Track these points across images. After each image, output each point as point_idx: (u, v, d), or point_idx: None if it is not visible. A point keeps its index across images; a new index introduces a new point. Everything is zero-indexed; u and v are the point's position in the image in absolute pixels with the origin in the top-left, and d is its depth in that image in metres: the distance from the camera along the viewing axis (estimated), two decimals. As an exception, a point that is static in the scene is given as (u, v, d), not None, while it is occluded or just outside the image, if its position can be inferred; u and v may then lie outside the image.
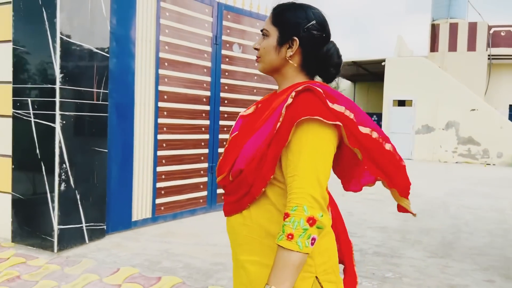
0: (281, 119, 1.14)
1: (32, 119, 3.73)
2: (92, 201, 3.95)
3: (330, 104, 1.13)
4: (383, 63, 15.83)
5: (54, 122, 3.63)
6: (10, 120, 3.88)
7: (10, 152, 3.91)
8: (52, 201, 3.67)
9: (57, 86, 3.61)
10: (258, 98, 5.74)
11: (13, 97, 3.83)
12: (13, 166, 3.88)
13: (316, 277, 1.19)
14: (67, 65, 3.68)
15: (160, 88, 4.69)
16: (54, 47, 3.61)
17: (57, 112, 3.62)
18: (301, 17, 1.25)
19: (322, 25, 1.27)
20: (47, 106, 3.66)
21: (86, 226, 3.92)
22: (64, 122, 3.68)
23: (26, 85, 3.78)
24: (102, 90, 4.00)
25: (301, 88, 1.16)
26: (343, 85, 24.98)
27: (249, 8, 5.69)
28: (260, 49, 1.29)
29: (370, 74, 20.21)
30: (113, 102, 4.18)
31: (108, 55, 4.05)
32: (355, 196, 6.80)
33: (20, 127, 3.81)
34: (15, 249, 3.79)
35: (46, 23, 3.62)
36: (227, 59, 5.41)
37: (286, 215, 1.08)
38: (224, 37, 5.38)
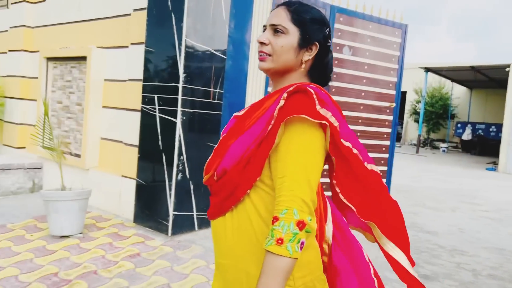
0: (273, 121, 1.08)
1: (157, 114, 4.14)
2: (203, 192, 4.24)
3: (318, 107, 1.07)
4: (507, 69, 14.29)
5: (175, 117, 3.99)
6: (139, 114, 4.35)
7: (137, 143, 4.38)
8: (170, 189, 4.03)
9: (180, 84, 3.96)
10: (366, 101, 5.61)
11: (142, 93, 4.29)
12: (139, 155, 4.34)
13: None
14: (189, 65, 4.01)
15: (269, 89, 4.86)
16: (180, 49, 3.96)
17: (179, 109, 3.97)
18: (322, 22, 1.22)
19: (330, 33, 1.27)
20: (171, 102, 4.03)
21: (196, 214, 4.23)
22: (184, 118, 4.02)
23: (153, 83, 4.20)
24: (218, 90, 4.28)
25: (292, 89, 1.11)
26: (458, 91, 23.07)
27: (362, 10, 5.59)
28: (274, 46, 1.19)
29: (490, 81, 18.40)
30: (227, 101, 4.44)
31: (225, 57, 4.32)
32: (468, 213, 6.28)
33: (146, 121, 4.25)
34: (135, 229, 4.24)
35: (174, 27, 3.99)
36: (336, 62, 5.39)
37: (276, 219, 1.02)
38: (335, 40, 5.36)
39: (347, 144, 1.13)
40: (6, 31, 6.37)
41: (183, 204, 4.11)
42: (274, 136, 1.08)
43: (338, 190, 1.21)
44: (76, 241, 3.84)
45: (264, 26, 1.23)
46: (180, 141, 4.02)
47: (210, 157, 1.26)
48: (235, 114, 1.29)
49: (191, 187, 4.16)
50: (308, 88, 1.10)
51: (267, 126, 1.10)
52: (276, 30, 1.18)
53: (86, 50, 5.03)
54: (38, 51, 5.90)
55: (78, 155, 5.20)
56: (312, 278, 1.16)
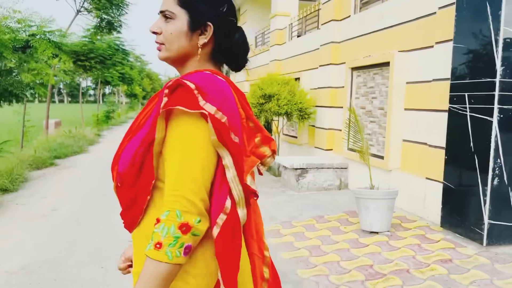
0: (154, 122, 1.00)
1: (468, 113, 3.87)
2: (525, 201, 3.68)
3: (201, 103, 0.97)
4: None
5: (491, 116, 3.62)
6: (445, 114, 4.18)
7: (443, 144, 4.23)
8: (484, 195, 3.68)
9: (497, 79, 3.57)
10: None
11: (450, 92, 4.10)
12: (446, 157, 4.17)
13: None
14: (509, 57, 3.56)
15: None
16: (496, 40, 3.57)
17: (495, 106, 3.58)
18: (211, 2, 1.10)
19: (233, 10, 1.14)
20: (484, 100, 3.68)
21: (517, 226, 3.70)
22: (501, 116, 3.59)
23: (463, 80, 3.95)
24: (545, 81, 3.61)
25: (171, 84, 1.00)
26: None
27: None
28: (164, 34, 1.10)
29: None
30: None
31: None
32: None
33: (455, 121, 4.04)
34: (443, 234, 4.08)
35: (489, 17, 3.63)
36: None
37: (157, 221, 0.94)
38: None
39: (236, 139, 1.01)
40: (317, 49, 7.39)
41: (500, 213, 3.68)
42: (153, 133, 1.00)
43: (237, 187, 1.06)
44: (384, 238, 4.03)
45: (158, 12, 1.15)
46: (496, 142, 3.62)
47: (111, 163, 1.18)
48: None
49: (510, 194, 3.67)
50: (187, 82, 0.98)
51: (153, 125, 1.01)
52: (165, 16, 1.10)
53: (389, 55, 5.24)
54: (343, 63, 6.57)
55: (380, 157, 5.46)
56: (208, 281, 1.03)
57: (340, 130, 6.53)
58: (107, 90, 38.91)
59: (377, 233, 4.16)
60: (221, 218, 0.99)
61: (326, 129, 7.00)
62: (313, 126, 7.50)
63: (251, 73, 12.07)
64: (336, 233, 4.24)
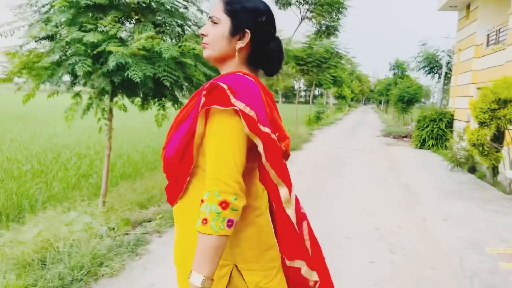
0: (196, 117, 1.21)
1: None
2: None
3: (233, 100, 1.15)
4: None
5: None
6: None
7: None
8: None
9: None
10: None
11: None
12: None
13: (235, 265, 1.26)
14: None
15: None
16: None
17: None
18: (254, 10, 1.27)
19: (272, 21, 1.30)
20: None
21: None
22: None
23: None
24: None
25: (208, 86, 1.19)
26: None
27: None
28: (209, 36, 1.28)
29: None
30: None
31: None
32: None
33: None
34: None
35: None
36: None
37: (201, 201, 1.14)
38: None
39: (266, 130, 1.19)
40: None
41: None
42: (195, 127, 1.20)
43: (273, 171, 1.24)
44: None
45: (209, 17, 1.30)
46: None
47: (164, 146, 1.33)
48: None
49: None
50: (221, 84, 1.17)
51: (195, 119, 1.21)
52: (212, 21, 1.28)
53: None
54: None
55: None
56: (253, 253, 1.28)
57: None
58: (317, 91, 40.99)
59: None
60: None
61: None
62: None
63: (480, 75, 10.82)
64: None
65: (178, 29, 5.09)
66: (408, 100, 21.76)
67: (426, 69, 22.30)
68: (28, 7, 4.77)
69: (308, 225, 1.45)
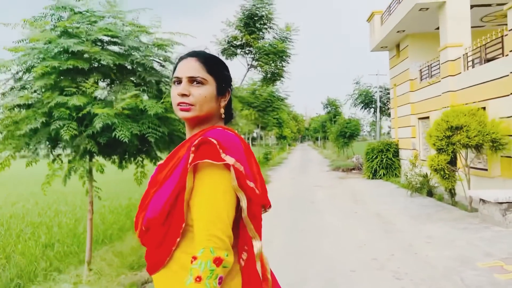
0: (184, 174, 1.20)
1: None
2: None
3: (223, 155, 1.19)
4: None
5: None
6: None
7: None
8: None
9: None
10: None
11: None
12: None
13: None
14: None
15: None
16: None
17: None
18: (227, 69, 1.40)
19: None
20: None
21: None
22: None
23: None
24: None
25: (197, 142, 1.21)
26: None
27: None
28: (195, 97, 1.29)
29: None
30: None
31: None
32: None
33: None
34: None
35: None
36: None
37: (194, 258, 1.12)
38: None
39: (251, 184, 1.23)
40: (507, 76, 7.02)
41: None
42: (184, 183, 1.20)
43: (251, 225, 1.26)
44: None
45: (176, 78, 1.31)
46: None
47: (138, 212, 1.32)
48: (159, 163, 1.36)
49: None
50: (211, 139, 1.20)
51: (182, 175, 1.20)
52: (195, 81, 1.29)
53: None
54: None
55: None
56: None
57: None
58: (255, 133, 42.00)
59: None
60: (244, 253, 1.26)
61: (527, 159, 6.50)
62: (509, 157, 7.01)
63: (418, 106, 11.86)
64: None
65: (155, 87, 5.17)
66: (350, 135, 23.00)
67: (362, 105, 23.89)
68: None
69: (272, 275, 1.38)
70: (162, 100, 4.74)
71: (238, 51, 14.26)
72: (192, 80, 1.29)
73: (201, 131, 1.30)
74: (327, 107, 41.17)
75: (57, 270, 5.39)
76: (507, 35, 7.12)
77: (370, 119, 42.41)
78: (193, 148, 1.20)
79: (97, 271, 4.80)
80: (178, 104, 1.29)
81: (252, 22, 14.04)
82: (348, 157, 25.17)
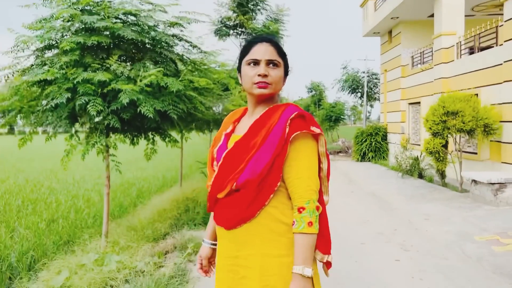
0: (285, 137, 1.42)
1: None
2: None
3: (312, 128, 1.46)
4: None
5: None
6: None
7: None
8: None
9: None
10: None
11: None
12: None
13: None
14: None
15: None
16: None
17: None
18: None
19: None
20: None
21: None
22: None
23: None
24: None
25: (293, 116, 1.45)
26: None
27: None
28: (273, 77, 1.49)
29: None
30: None
31: None
32: None
33: None
34: None
35: None
36: None
37: (302, 208, 1.39)
38: None
39: (324, 150, 1.52)
40: (500, 64, 7.39)
41: None
42: (286, 149, 1.42)
43: (326, 183, 1.57)
44: None
45: (254, 60, 1.49)
46: None
47: (216, 175, 1.50)
48: (225, 132, 1.61)
49: None
50: (304, 114, 1.47)
51: (281, 142, 1.42)
52: (272, 63, 1.49)
53: None
54: (537, 76, 6.51)
55: None
56: None
57: (538, 144, 6.42)
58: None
59: None
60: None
61: (516, 144, 6.93)
62: (498, 141, 7.44)
63: (409, 92, 12.24)
64: None
65: (173, 65, 5.29)
66: (336, 118, 23.40)
67: (349, 89, 24.26)
68: (20, 51, 4.66)
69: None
70: (181, 78, 4.89)
71: (231, 31, 14.28)
72: (269, 62, 1.48)
73: (278, 105, 1.52)
74: (311, 91, 41.46)
75: (68, 244, 5.54)
76: (502, 25, 7.45)
77: (351, 103, 42.85)
78: (289, 121, 1.43)
79: (115, 244, 4.97)
80: (257, 83, 1.48)
81: (245, 2, 14.06)
82: (333, 140, 25.66)
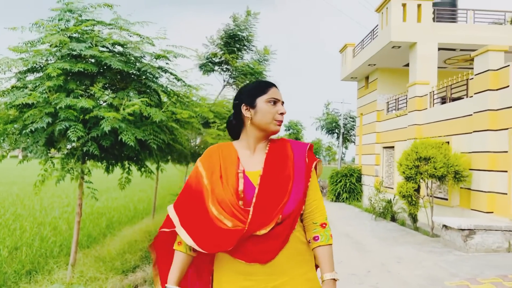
0: (307, 167, 1.64)
1: None
2: None
3: (316, 156, 1.71)
4: None
5: None
6: None
7: None
8: None
9: None
10: None
11: None
12: None
13: None
14: None
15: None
16: None
17: None
18: None
19: None
20: None
21: None
22: None
23: None
24: None
25: (309, 147, 1.69)
26: None
27: None
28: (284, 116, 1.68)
29: None
30: None
31: None
32: None
33: None
34: None
35: None
36: None
37: (325, 224, 1.61)
38: None
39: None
40: (470, 115, 7.77)
41: None
42: (310, 176, 1.63)
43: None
44: None
45: (276, 99, 1.64)
46: None
47: (254, 213, 1.52)
48: (238, 171, 1.60)
49: None
50: (312, 145, 1.72)
51: (307, 171, 1.63)
52: (282, 103, 1.68)
53: None
54: (505, 128, 6.86)
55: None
56: None
57: (506, 194, 6.68)
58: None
59: None
60: None
61: (485, 192, 7.17)
62: (468, 188, 7.70)
63: (383, 136, 12.61)
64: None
65: (156, 96, 5.34)
66: (312, 158, 23.75)
67: (327, 130, 24.81)
68: (1, 72, 4.62)
69: None
70: (163, 109, 4.93)
71: (216, 67, 14.56)
72: (282, 103, 1.68)
73: (278, 139, 1.71)
74: (288, 129, 42.10)
75: (31, 273, 5.31)
76: (472, 78, 7.90)
77: (327, 144, 43.51)
78: (308, 152, 1.67)
79: (83, 274, 4.80)
80: (277, 120, 1.63)
81: (233, 42, 14.44)
82: (308, 179, 25.89)
